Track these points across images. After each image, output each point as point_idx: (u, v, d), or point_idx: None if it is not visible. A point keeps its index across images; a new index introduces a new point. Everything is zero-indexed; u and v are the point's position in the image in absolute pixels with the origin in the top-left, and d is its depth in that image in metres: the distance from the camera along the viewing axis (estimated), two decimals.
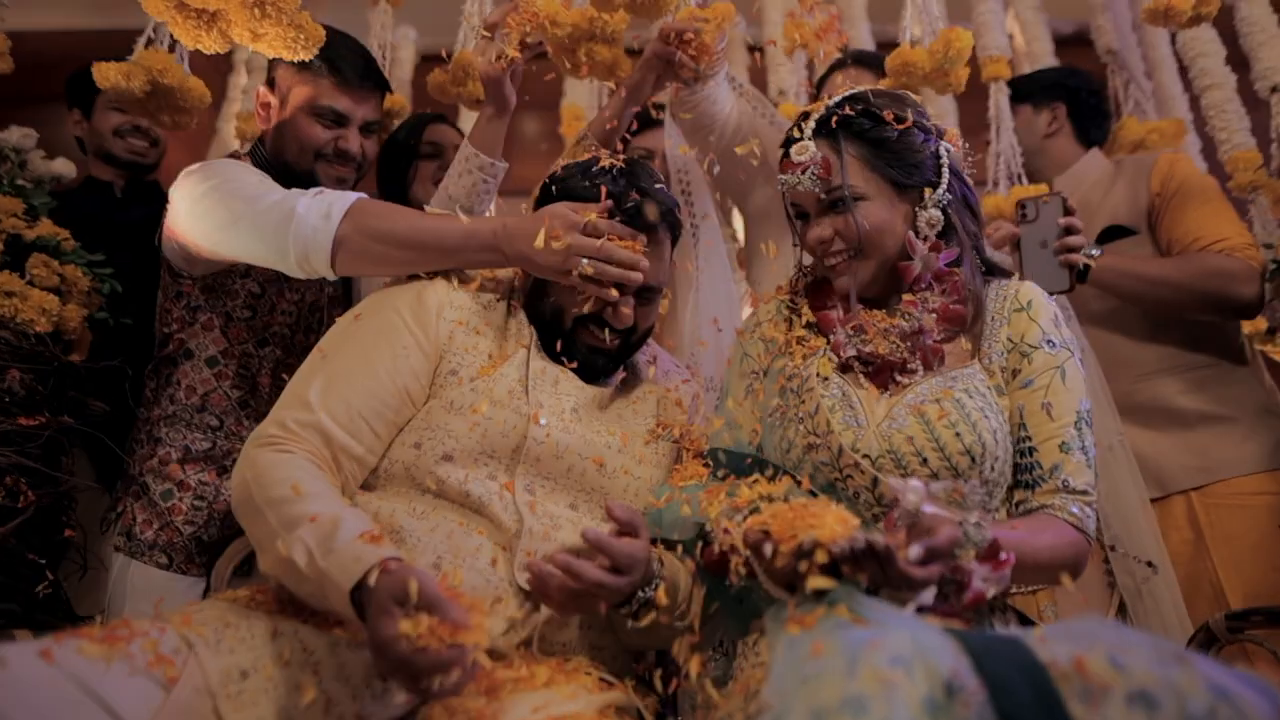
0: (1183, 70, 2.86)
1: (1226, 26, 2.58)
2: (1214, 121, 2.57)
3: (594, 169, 1.46)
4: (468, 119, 2.95)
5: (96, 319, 1.90)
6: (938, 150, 1.36)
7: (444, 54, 2.30)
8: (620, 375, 1.54)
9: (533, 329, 1.47)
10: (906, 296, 1.36)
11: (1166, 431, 2.10)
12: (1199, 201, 2.10)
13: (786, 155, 1.38)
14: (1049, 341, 1.32)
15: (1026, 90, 2.45)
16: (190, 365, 1.86)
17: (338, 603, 1.08)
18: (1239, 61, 2.60)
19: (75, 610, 1.74)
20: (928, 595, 1.00)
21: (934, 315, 1.33)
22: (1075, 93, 2.40)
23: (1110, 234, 2.14)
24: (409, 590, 1.00)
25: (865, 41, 3.17)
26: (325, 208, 1.48)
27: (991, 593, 1.04)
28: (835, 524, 1.00)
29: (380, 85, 1.90)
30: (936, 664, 0.81)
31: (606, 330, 1.44)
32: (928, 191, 1.34)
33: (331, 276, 1.51)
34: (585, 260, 1.36)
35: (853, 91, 1.40)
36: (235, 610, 1.16)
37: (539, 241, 1.37)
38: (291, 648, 1.12)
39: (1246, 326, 2.22)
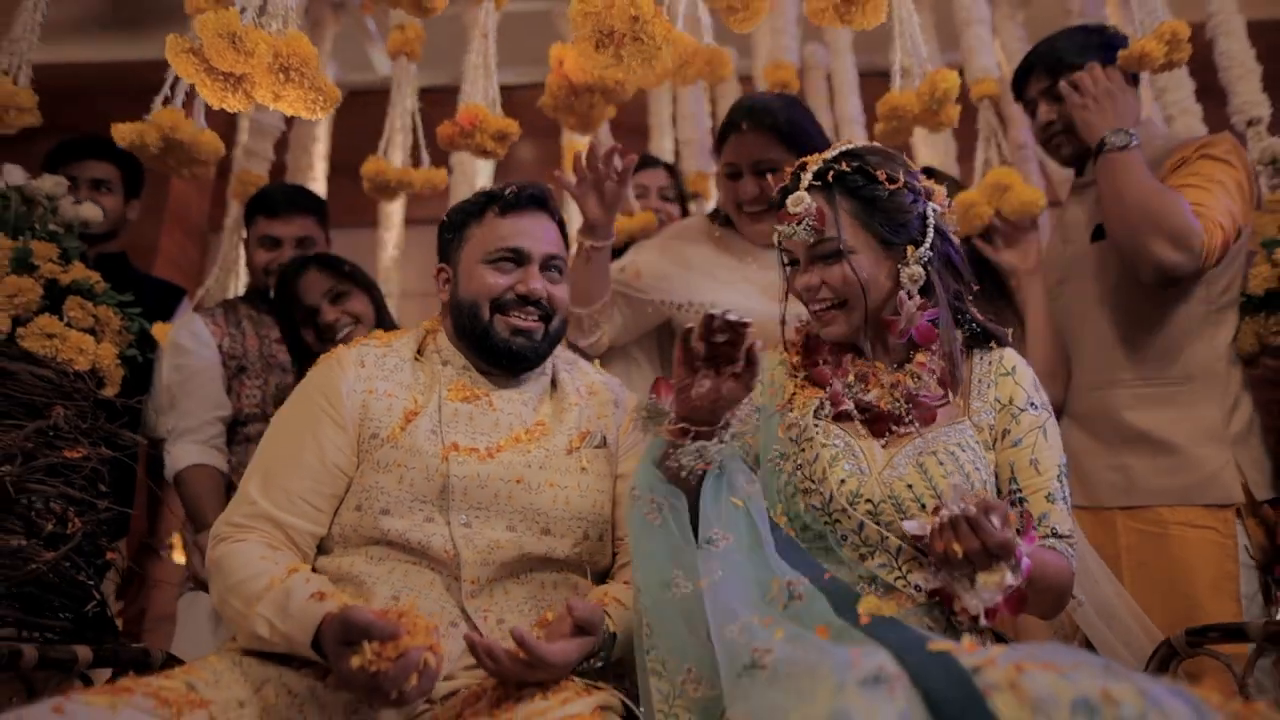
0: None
1: (1206, 59, 2.66)
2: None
3: (470, 196, 1.70)
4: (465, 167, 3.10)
5: (126, 356, 2.02)
6: (925, 211, 1.45)
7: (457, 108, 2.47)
8: (541, 387, 1.66)
9: (448, 370, 1.61)
10: (920, 358, 1.45)
11: (1104, 443, 2.08)
12: (1201, 175, 2.01)
13: (782, 204, 1.46)
14: (1032, 404, 1.45)
15: (1085, 55, 2.14)
16: None
17: (305, 654, 1.27)
18: (1216, 92, 2.71)
19: (118, 626, 1.87)
20: (1012, 574, 1.17)
21: (936, 378, 1.44)
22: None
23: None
24: (354, 626, 1.17)
25: (850, 73, 3.31)
26: None
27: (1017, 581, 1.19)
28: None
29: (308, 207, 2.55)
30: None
31: (527, 307, 1.59)
32: (911, 249, 1.43)
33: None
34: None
35: (848, 148, 1.48)
36: (227, 660, 1.34)
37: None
38: (277, 690, 1.29)
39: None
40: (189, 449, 2.34)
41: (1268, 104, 2.59)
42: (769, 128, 2.02)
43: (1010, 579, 1.18)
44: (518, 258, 1.61)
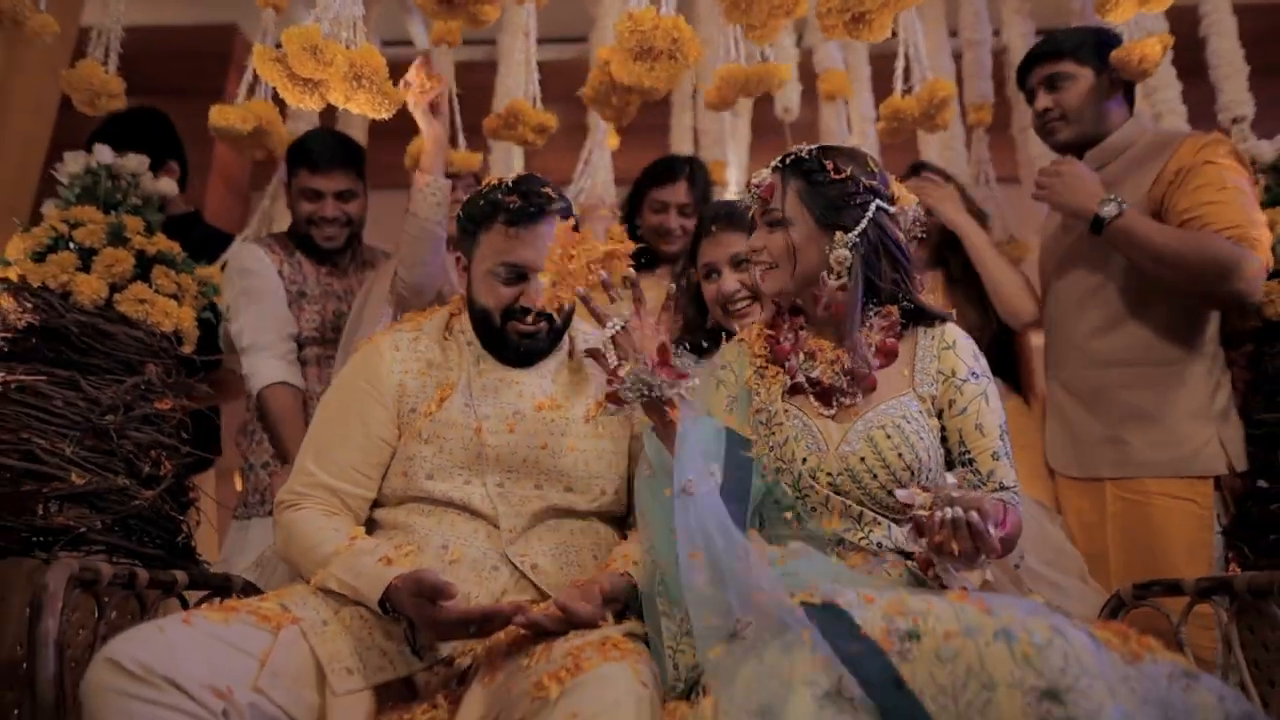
0: None
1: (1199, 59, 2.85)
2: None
3: (485, 191, 1.78)
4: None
5: (200, 318, 2.28)
6: (867, 204, 1.59)
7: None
8: (558, 360, 1.84)
9: (472, 350, 1.79)
10: (857, 335, 1.61)
11: (1101, 419, 2.25)
12: (1214, 185, 2.09)
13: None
14: (974, 374, 1.62)
15: (1083, 51, 2.32)
16: None
17: (371, 607, 1.51)
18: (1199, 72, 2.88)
19: (198, 556, 2.15)
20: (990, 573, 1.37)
21: (874, 351, 1.62)
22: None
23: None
24: (425, 585, 1.43)
25: (863, 69, 3.49)
26: None
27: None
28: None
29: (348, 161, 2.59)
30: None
31: (529, 315, 1.74)
32: (841, 234, 1.59)
33: None
34: None
35: (824, 145, 1.66)
36: (311, 588, 1.58)
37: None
38: (352, 614, 1.54)
39: None
40: (270, 364, 2.48)
41: (1252, 103, 2.76)
42: (740, 227, 2.08)
43: (988, 577, 1.38)
44: (520, 272, 1.74)
